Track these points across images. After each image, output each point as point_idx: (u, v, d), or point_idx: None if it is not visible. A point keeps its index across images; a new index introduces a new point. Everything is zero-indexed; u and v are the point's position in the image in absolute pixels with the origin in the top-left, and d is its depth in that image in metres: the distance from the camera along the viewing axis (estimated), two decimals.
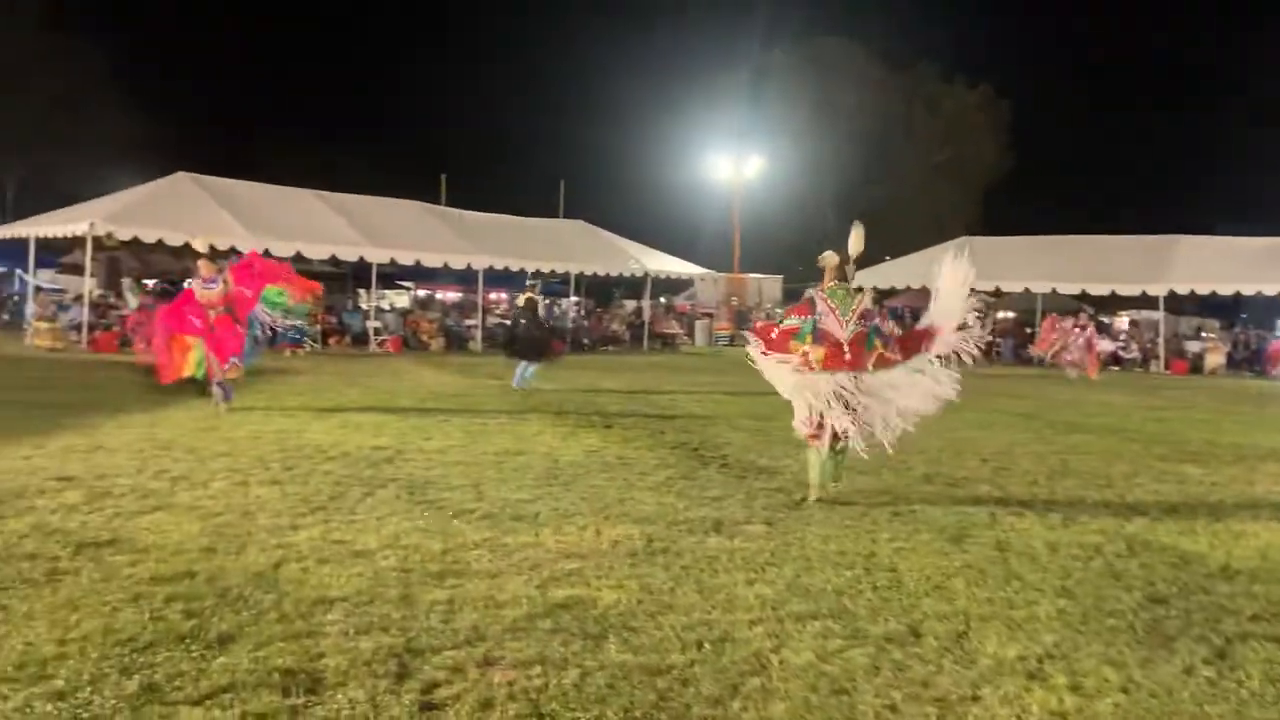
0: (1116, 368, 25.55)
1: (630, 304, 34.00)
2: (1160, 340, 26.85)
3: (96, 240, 19.55)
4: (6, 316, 24.61)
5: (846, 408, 6.36)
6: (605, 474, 7.26)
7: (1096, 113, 56.75)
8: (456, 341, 24.99)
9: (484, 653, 3.55)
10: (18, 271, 26.51)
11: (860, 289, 6.63)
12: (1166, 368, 25.78)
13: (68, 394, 11.17)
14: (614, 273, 28.06)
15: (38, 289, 23.18)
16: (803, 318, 6.49)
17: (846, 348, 6.35)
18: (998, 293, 27.23)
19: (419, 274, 28.80)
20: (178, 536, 4.97)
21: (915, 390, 6.57)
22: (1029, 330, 28.96)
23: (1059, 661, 3.71)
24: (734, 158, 38.04)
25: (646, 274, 28.56)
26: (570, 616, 3.98)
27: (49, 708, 2.98)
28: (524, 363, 13.82)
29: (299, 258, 21.79)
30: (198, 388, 10.41)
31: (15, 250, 23.13)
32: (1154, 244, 27.20)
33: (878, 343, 6.45)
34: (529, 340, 14.11)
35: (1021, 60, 56.67)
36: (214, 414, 9.80)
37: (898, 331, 6.65)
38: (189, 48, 55.42)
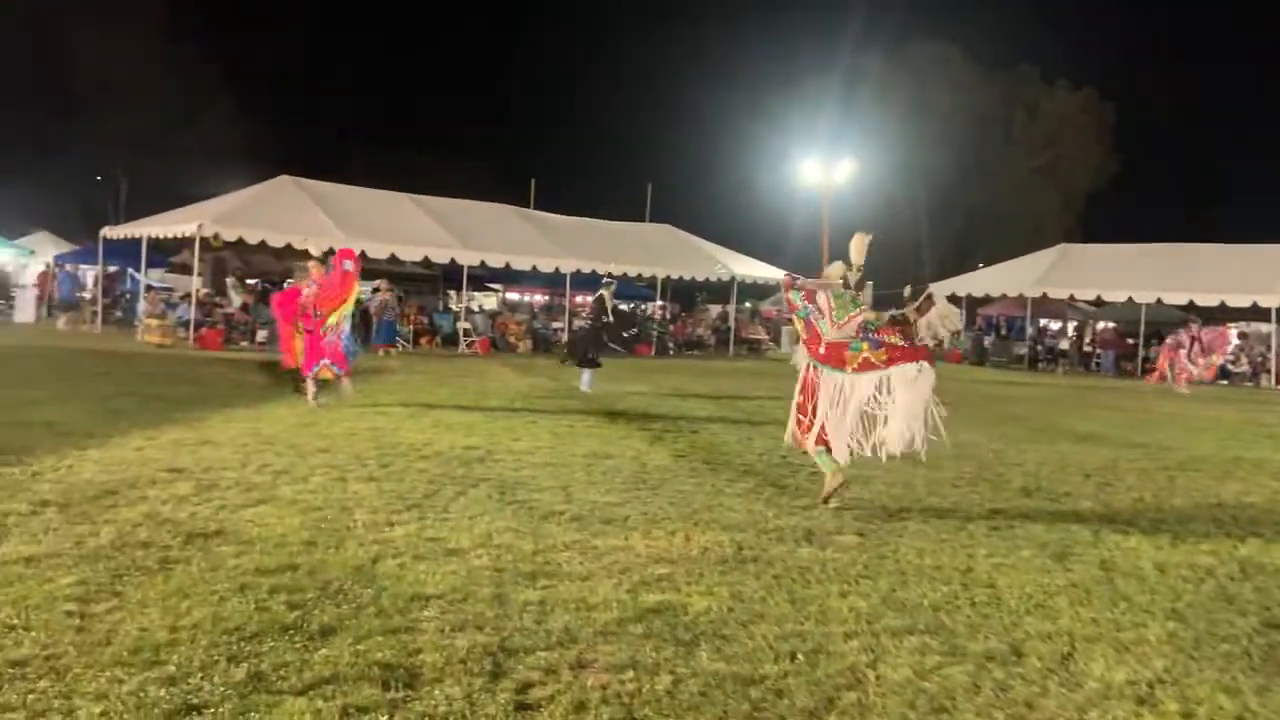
0: (1225, 381, 24.47)
1: (715, 308, 33.91)
2: (1272, 354, 25.60)
3: (204, 241, 20.35)
4: (119, 313, 25.77)
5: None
6: (693, 479, 7.24)
7: (1206, 116, 54.44)
8: (543, 344, 25.27)
9: (577, 655, 3.56)
10: (129, 270, 27.80)
11: (861, 304, 6.66)
12: (1278, 382, 24.56)
13: (176, 389, 11.64)
14: (700, 277, 28.02)
15: (149, 287, 24.23)
16: (806, 303, 6.67)
17: (824, 347, 6.51)
18: (1099, 302, 26.40)
19: (508, 276, 29.24)
20: (280, 529, 5.12)
21: (906, 399, 6.37)
22: (1130, 341, 27.95)
23: (1170, 687, 3.56)
24: (824, 161, 37.57)
25: (733, 278, 28.44)
26: (661, 622, 3.97)
27: (162, 693, 3.09)
28: (584, 368, 13.72)
29: (393, 259, 22.41)
30: (295, 383, 10.79)
31: (128, 249, 24.24)
32: (1266, 253, 25.93)
33: (864, 347, 6.46)
34: (583, 342, 14.11)
35: (1127, 62, 54.78)
36: (312, 411, 10.11)
37: (897, 343, 6.48)
38: (292, 57, 57.37)
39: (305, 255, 22.72)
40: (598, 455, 8.13)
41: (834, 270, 6.81)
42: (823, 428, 6.49)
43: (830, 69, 48.63)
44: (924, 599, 4.49)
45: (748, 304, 33.60)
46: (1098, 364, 28.11)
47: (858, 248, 6.80)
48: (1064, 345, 31.40)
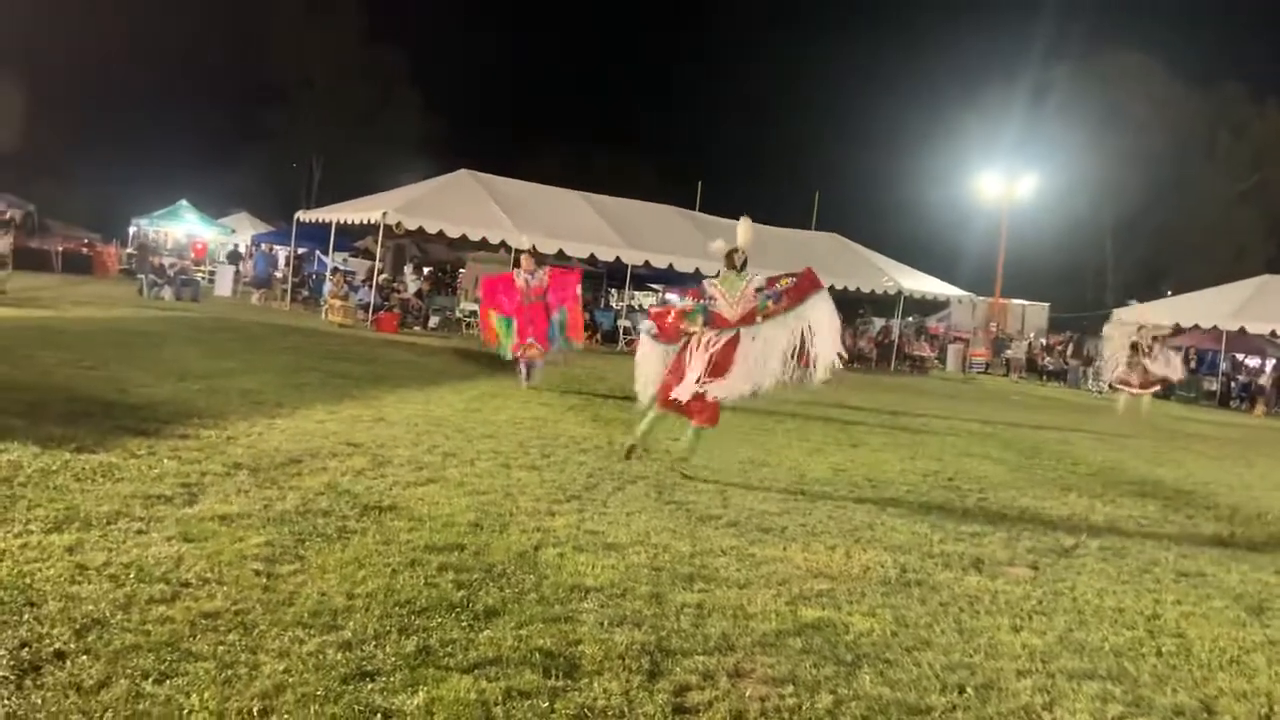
0: None
1: (879, 322, 33.08)
2: None
3: (387, 228, 21.40)
4: (306, 292, 27.44)
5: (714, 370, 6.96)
6: (853, 494, 7.05)
7: None
8: None
9: (735, 663, 3.51)
10: (317, 252, 29.57)
11: (746, 277, 7.21)
12: None
13: (355, 367, 12.27)
14: (865, 288, 27.40)
15: (334, 269, 25.70)
16: (696, 301, 7.13)
17: (736, 321, 7.02)
18: None
19: (669, 277, 29.41)
20: (448, 509, 5.29)
21: (821, 330, 7.04)
22: None
23: None
24: (1005, 176, 36.05)
25: (900, 291, 27.67)
26: (821, 639, 3.87)
27: (339, 656, 3.23)
28: None
29: (560, 255, 22.93)
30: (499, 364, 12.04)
31: (318, 233, 25.78)
32: None
33: (769, 304, 7.03)
34: None
35: None
36: (523, 391, 11.20)
37: (787, 286, 7.13)
38: (476, 55, 59.66)
39: (477, 246, 23.53)
40: (755, 462, 8.04)
41: (719, 248, 7.42)
42: (666, 388, 7.14)
43: (1014, 78, 46.62)
44: (1105, 642, 4.21)
45: (911, 319, 32.60)
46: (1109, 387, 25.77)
47: (744, 229, 7.47)
48: (1262, 382, 28.99)
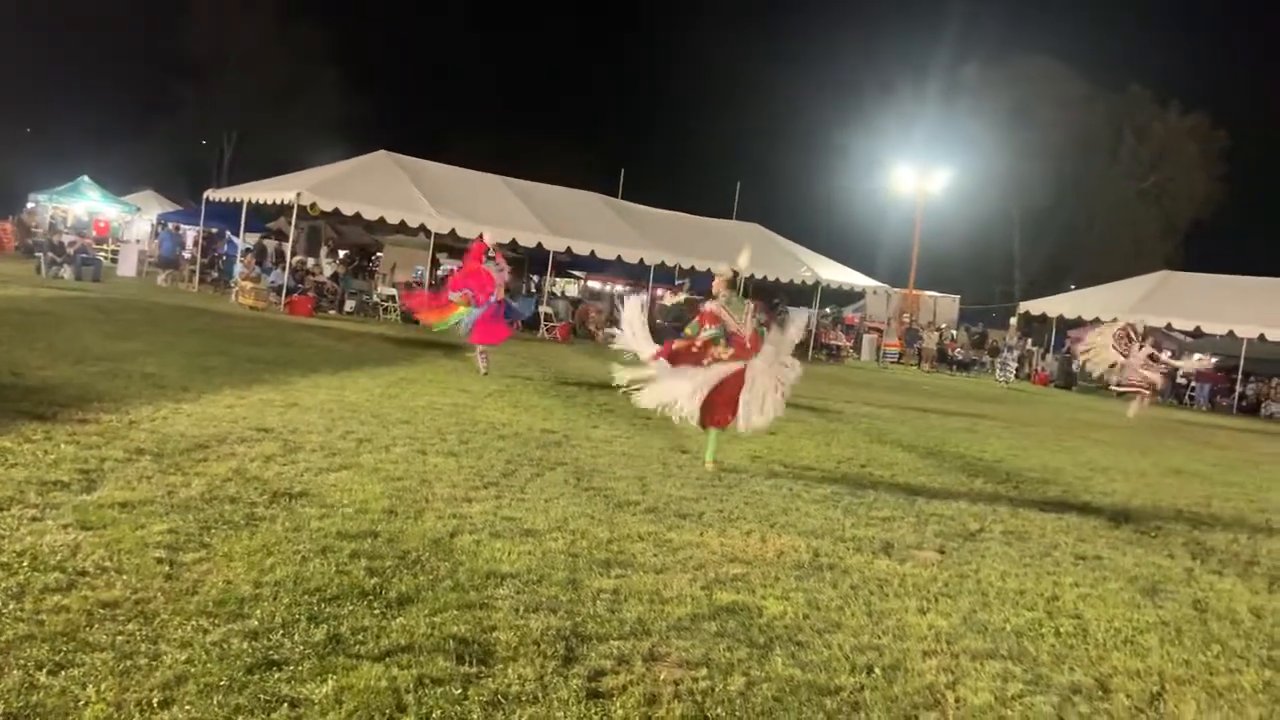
0: None
1: (795, 311, 33.54)
2: None
3: (301, 209, 20.86)
4: (215, 274, 26.61)
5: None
6: (770, 481, 7.15)
7: None
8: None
9: (650, 647, 3.53)
10: (228, 233, 28.68)
11: (745, 301, 7.75)
12: None
13: (267, 351, 11.95)
14: (784, 278, 27.75)
15: (245, 250, 24.97)
16: (715, 327, 7.46)
17: (749, 343, 7.47)
18: (1198, 333, 25.39)
19: (591, 264, 29.37)
20: (362, 496, 5.20)
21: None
22: (1229, 376, 26.83)
23: None
24: (919, 171, 36.89)
25: (817, 282, 28.11)
26: (736, 622, 3.92)
27: (244, 645, 3.15)
28: None
29: (481, 240, 22.66)
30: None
31: (229, 213, 25.00)
32: None
33: (765, 331, 7.68)
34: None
35: (1243, 90, 52.36)
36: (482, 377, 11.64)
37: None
38: (399, 36, 58.50)
39: (396, 229, 23.12)
40: (675, 449, 8.09)
41: (723, 273, 7.70)
42: (719, 415, 7.47)
43: (928, 77, 47.62)
44: (1006, 623, 4.35)
45: (828, 310, 33.14)
46: (1191, 397, 27.06)
47: (746, 256, 8.30)
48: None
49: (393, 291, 23.15)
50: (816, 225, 40.51)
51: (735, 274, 7.73)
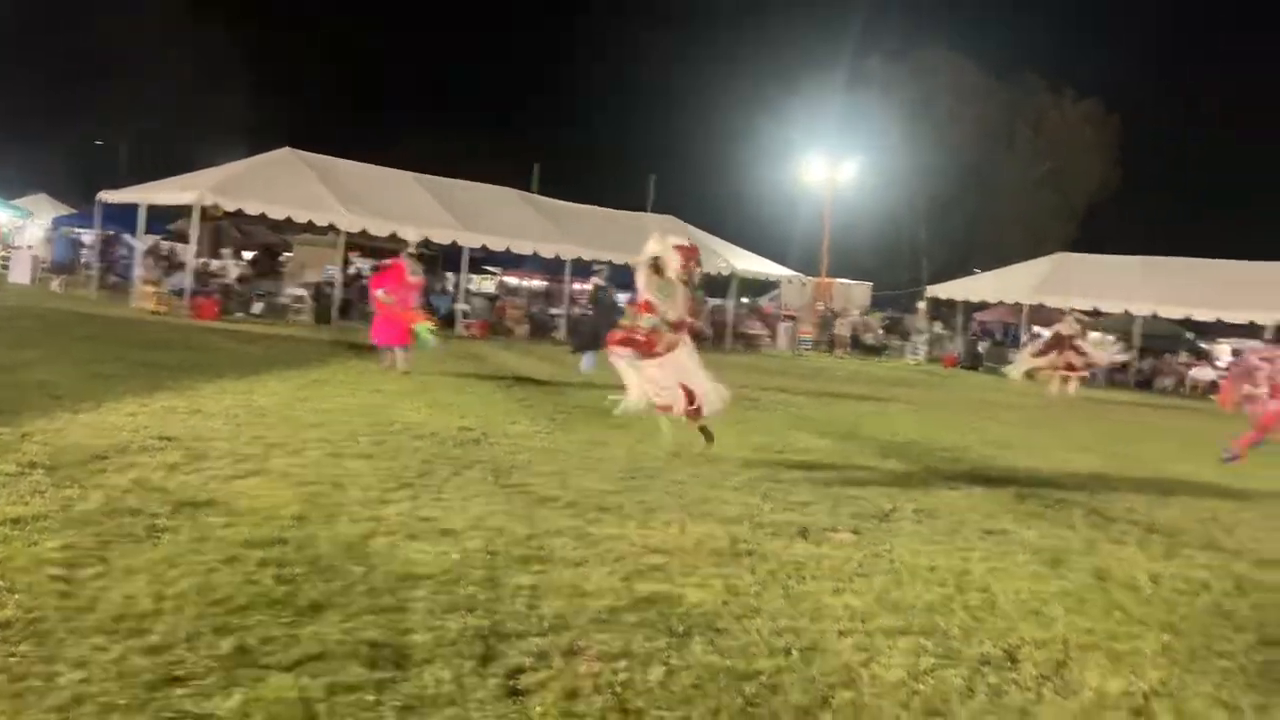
0: (1214, 397, 24.48)
1: (713, 301, 33.83)
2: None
3: (203, 210, 20.20)
4: (114, 278, 25.61)
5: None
6: (689, 470, 7.19)
7: (1211, 133, 54.39)
8: (541, 329, 25.18)
9: (569, 642, 3.52)
10: (125, 236, 27.63)
11: (673, 285, 7.73)
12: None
13: (169, 356, 11.55)
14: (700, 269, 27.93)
15: (146, 252, 24.08)
16: (652, 315, 7.61)
17: (682, 326, 7.66)
18: (1095, 312, 26.35)
19: (507, 260, 29.14)
20: (271, 502, 5.06)
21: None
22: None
23: (1165, 700, 3.52)
24: (828, 162, 37.54)
25: (733, 273, 28.38)
26: (655, 612, 3.93)
27: (144, 662, 3.04)
28: (588, 351, 13.87)
29: (394, 238, 22.27)
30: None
31: (127, 216, 24.07)
32: (1265, 270, 25.95)
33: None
34: (589, 329, 14.23)
35: (1133, 76, 54.57)
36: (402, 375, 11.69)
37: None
38: (305, 30, 57.11)
39: (304, 228, 22.59)
40: (594, 442, 8.08)
41: (644, 251, 7.80)
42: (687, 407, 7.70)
43: (833, 69, 48.46)
44: (919, 600, 4.46)
45: (744, 300, 33.50)
46: (1091, 374, 28.09)
47: (659, 242, 7.91)
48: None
49: (302, 292, 22.62)
50: (731, 216, 40.89)
51: (656, 260, 7.72)
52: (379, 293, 12.57)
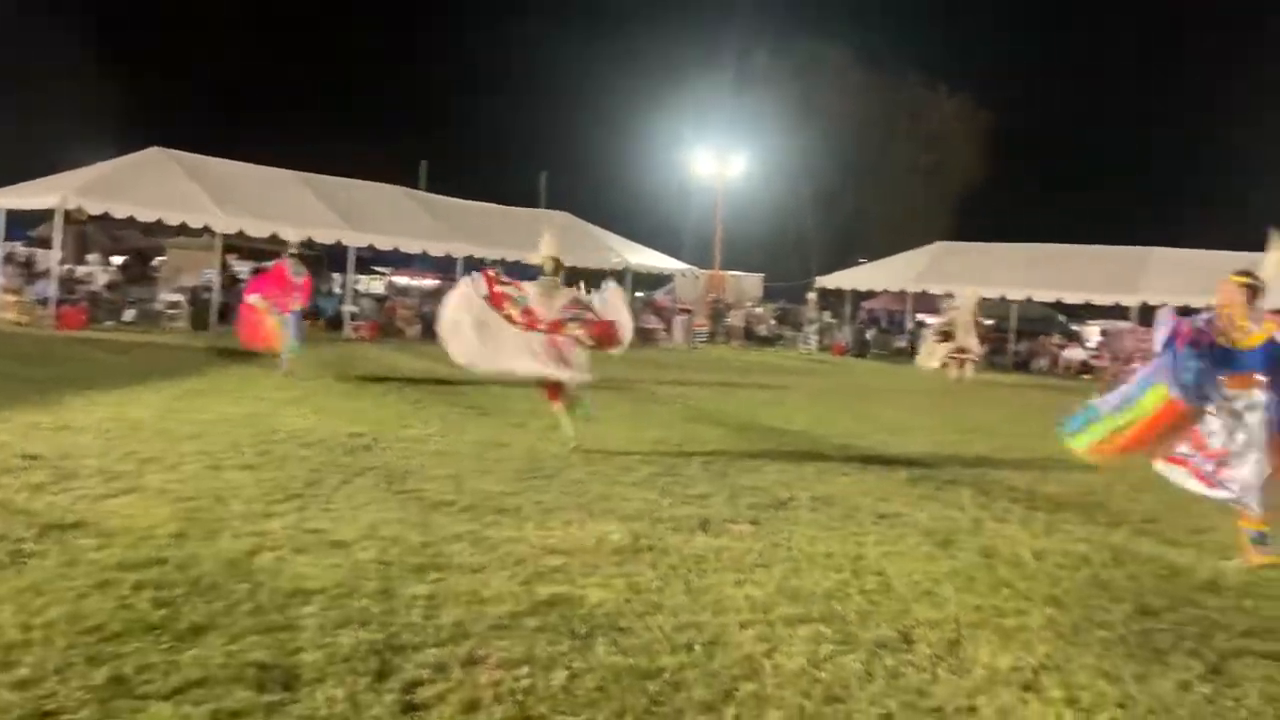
0: (1088, 376, 25.75)
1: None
2: (1131, 351, 27.08)
3: (67, 213, 19.13)
4: None
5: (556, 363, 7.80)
6: (588, 468, 7.15)
7: (1077, 124, 57.24)
8: (434, 330, 24.71)
9: (468, 651, 3.43)
10: None
11: (561, 286, 8.03)
12: None
13: (33, 369, 10.90)
14: (594, 264, 27.90)
15: (4, 259, 22.67)
16: (520, 292, 7.92)
17: (545, 325, 7.73)
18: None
19: (396, 260, 28.55)
20: (147, 521, 4.80)
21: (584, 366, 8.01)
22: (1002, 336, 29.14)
23: (1053, 673, 3.65)
24: (718, 156, 38.00)
25: (626, 267, 28.43)
26: (557, 615, 3.87)
27: (12, 697, 2.84)
28: None
29: (274, 239, 21.52)
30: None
31: None
32: (1129, 254, 27.41)
33: (575, 328, 7.83)
34: None
35: (1003, 71, 56.88)
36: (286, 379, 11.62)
37: (591, 317, 7.97)
38: (172, 26, 54.66)
39: (177, 231, 21.64)
40: (490, 443, 7.95)
41: (540, 249, 8.11)
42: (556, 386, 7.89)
43: (721, 64, 49.02)
44: (817, 587, 4.52)
45: (639, 294, 33.62)
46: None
47: (549, 241, 8.20)
48: (935, 338, 32.37)
49: (178, 297, 21.66)
50: (624, 211, 40.89)
51: (555, 261, 7.98)
52: (252, 298, 12.38)
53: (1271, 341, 5.38)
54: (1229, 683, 3.64)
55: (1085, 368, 26.24)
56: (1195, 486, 5.71)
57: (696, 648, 3.62)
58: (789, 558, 5.00)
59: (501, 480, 6.49)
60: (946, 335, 20.00)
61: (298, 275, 12.43)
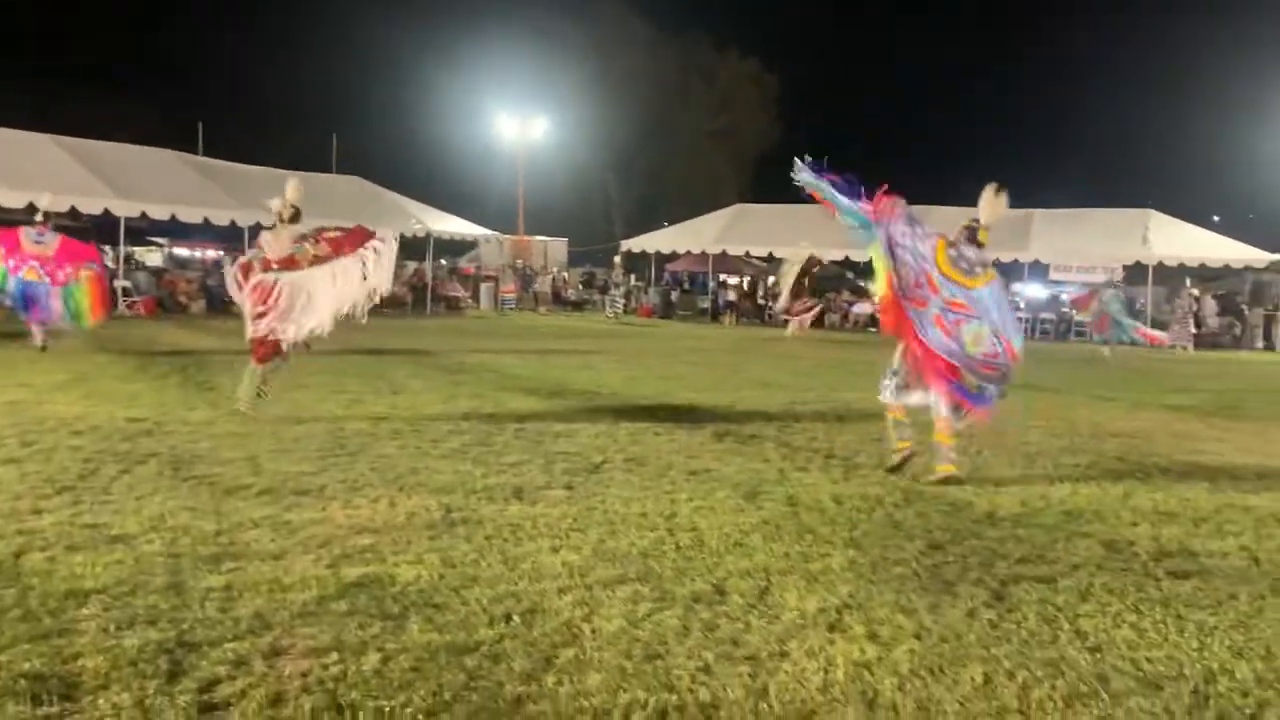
0: (875, 330, 27.40)
1: (411, 265, 32.92)
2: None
3: None
4: None
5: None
6: (395, 442, 6.92)
7: (864, 89, 60.35)
8: (219, 303, 23.23)
9: (271, 642, 3.24)
10: None
11: (287, 224, 7.86)
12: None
13: None
14: (394, 232, 27.00)
15: None
16: (258, 251, 7.90)
17: (275, 263, 7.66)
18: (771, 258, 28.41)
19: (174, 229, 26.57)
20: None
21: (349, 278, 7.79)
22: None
23: (856, 611, 3.84)
24: (520, 120, 37.53)
25: (429, 234, 27.69)
26: (367, 597, 3.72)
27: None
28: None
29: (31, 209, 19.46)
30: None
31: None
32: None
33: (307, 247, 7.71)
34: None
35: (794, 36, 59.11)
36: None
37: (329, 236, 7.92)
38: None
39: None
40: (288, 421, 7.55)
41: (274, 204, 7.90)
42: (260, 340, 7.69)
43: (518, 26, 48.18)
44: (633, 547, 4.56)
45: (443, 261, 32.87)
46: (770, 315, 30.41)
47: (292, 187, 7.98)
48: (732, 298, 33.54)
49: None
50: (424, 177, 39.70)
51: (295, 209, 7.82)
52: None
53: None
54: (1010, 607, 3.95)
55: (873, 321, 27.85)
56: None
57: (515, 618, 3.57)
58: (605, 520, 5.02)
59: (302, 459, 6.18)
60: (797, 293, 21.06)
61: (37, 243, 11.60)
